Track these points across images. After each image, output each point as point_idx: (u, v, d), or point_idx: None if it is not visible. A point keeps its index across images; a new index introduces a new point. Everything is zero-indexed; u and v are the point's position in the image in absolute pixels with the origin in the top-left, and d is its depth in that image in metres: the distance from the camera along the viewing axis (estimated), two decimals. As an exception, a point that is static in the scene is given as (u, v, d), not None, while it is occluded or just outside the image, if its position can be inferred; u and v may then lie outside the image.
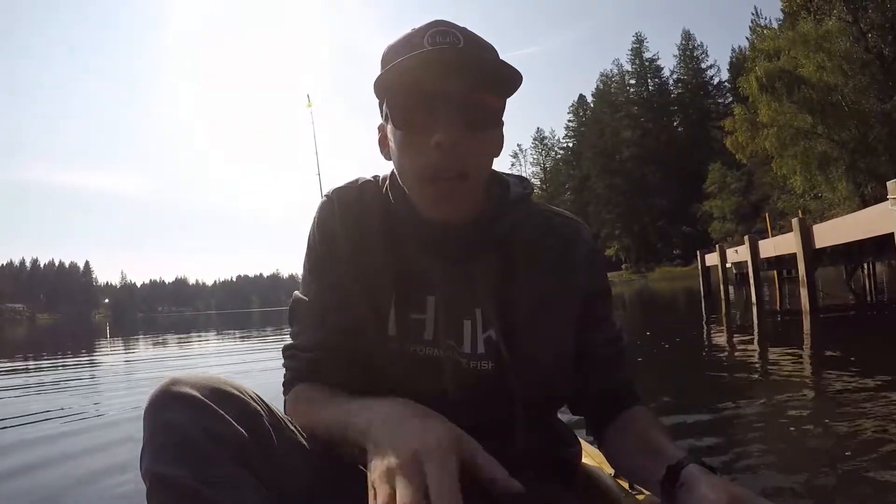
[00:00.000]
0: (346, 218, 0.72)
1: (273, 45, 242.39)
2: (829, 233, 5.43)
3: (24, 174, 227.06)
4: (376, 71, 0.64)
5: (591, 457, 0.88)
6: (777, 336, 5.17)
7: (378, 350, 0.67)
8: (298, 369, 0.72)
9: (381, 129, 0.71)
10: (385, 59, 0.65)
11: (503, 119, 0.68)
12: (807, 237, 5.63)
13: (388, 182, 0.73)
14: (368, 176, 0.77)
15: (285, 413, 0.66)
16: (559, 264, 0.72)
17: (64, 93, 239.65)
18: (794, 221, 5.87)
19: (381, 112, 0.68)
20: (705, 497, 0.49)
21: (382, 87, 0.64)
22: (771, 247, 7.33)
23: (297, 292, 0.75)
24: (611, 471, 0.80)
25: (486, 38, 0.67)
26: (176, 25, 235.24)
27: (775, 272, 10.71)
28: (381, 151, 0.72)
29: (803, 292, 5.69)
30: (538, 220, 0.74)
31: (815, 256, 5.78)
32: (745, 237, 8.06)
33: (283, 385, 0.74)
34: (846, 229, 5.04)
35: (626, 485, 0.77)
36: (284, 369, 0.74)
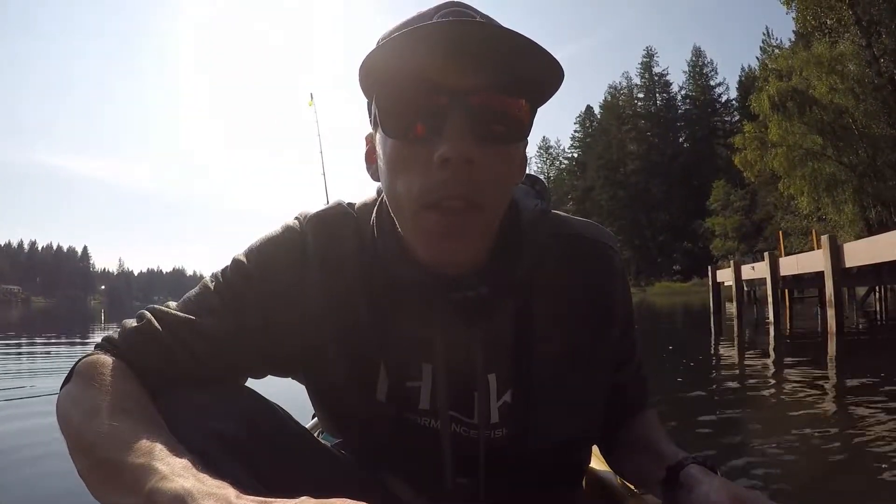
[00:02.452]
0: (323, 258, 0.57)
1: (282, 39, 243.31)
2: (862, 252, 5.30)
3: (26, 156, 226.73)
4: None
5: (595, 455, 0.87)
6: (809, 358, 5.01)
7: (365, 412, 0.58)
8: (148, 338, 0.52)
9: (370, 139, 0.57)
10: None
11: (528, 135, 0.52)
12: (836, 255, 5.50)
13: (375, 213, 0.58)
14: (354, 200, 0.62)
15: (69, 376, 0.52)
16: (590, 307, 0.60)
17: (68, 78, 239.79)
18: (824, 238, 5.74)
19: (370, 115, 0.53)
20: (706, 497, 0.48)
21: (370, 78, 0.48)
22: (793, 264, 7.21)
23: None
24: None
25: None
26: (185, 14, 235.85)
27: (786, 291, 10.61)
28: (368, 170, 0.58)
29: (830, 313, 5.56)
30: (560, 248, 0.60)
31: (844, 276, 5.66)
32: (766, 253, 7.97)
33: (97, 346, 0.55)
34: (882, 249, 4.91)
35: (631, 485, 0.75)
36: (119, 331, 0.54)
